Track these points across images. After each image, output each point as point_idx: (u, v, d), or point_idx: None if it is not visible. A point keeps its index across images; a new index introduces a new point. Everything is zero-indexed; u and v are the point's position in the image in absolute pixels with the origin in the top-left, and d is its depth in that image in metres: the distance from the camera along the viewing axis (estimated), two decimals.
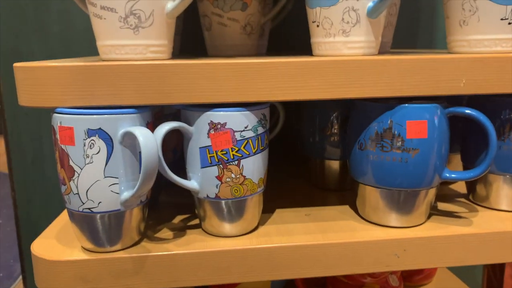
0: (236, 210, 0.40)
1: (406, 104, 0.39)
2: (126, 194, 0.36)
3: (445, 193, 0.52)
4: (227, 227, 0.41)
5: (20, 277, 1.64)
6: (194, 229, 0.43)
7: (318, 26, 0.41)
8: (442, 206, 0.48)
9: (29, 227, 0.77)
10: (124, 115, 0.35)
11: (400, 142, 0.39)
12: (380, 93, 0.38)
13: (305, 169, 0.58)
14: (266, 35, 0.59)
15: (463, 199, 0.50)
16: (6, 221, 2.16)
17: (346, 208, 0.48)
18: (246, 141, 0.38)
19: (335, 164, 0.53)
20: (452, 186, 0.55)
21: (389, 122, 0.39)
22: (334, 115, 0.51)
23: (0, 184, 2.71)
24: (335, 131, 0.51)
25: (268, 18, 0.54)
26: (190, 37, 0.59)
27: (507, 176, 0.45)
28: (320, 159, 0.53)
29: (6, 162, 0.74)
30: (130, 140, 0.36)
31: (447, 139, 0.41)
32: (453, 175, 0.41)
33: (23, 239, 0.77)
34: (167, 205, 0.49)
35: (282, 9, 0.56)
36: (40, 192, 0.75)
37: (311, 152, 0.54)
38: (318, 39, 0.41)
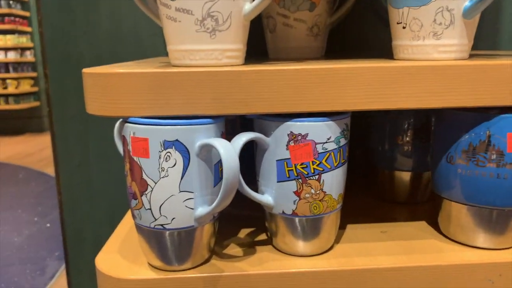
0: (313, 228, 0.37)
1: (507, 114, 0.35)
2: (201, 210, 0.34)
3: None
4: (302, 246, 0.38)
5: (58, 273, 1.66)
6: (264, 245, 0.40)
7: (404, 27, 0.37)
8: None
9: (74, 230, 0.76)
10: (201, 125, 0.33)
11: (499, 157, 0.35)
12: (479, 102, 0.34)
13: (370, 180, 0.54)
14: (327, 36, 0.55)
15: None
16: (41, 218, 2.20)
17: (424, 224, 0.44)
18: (328, 154, 0.35)
19: (406, 176, 0.49)
20: None
21: (486, 134, 0.36)
22: (407, 122, 0.47)
23: (34, 182, 2.77)
24: (408, 140, 0.48)
25: (335, 18, 0.50)
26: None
27: None
28: (390, 170, 0.50)
29: (53, 162, 0.74)
30: (206, 152, 0.33)
31: None
32: None
33: (68, 242, 0.76)
34: (231, 217, 0.46)
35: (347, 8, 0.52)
36: (86, 195, 0.74)
37: (379, 163, 0.50)
38: (404, 41, 0.37)
